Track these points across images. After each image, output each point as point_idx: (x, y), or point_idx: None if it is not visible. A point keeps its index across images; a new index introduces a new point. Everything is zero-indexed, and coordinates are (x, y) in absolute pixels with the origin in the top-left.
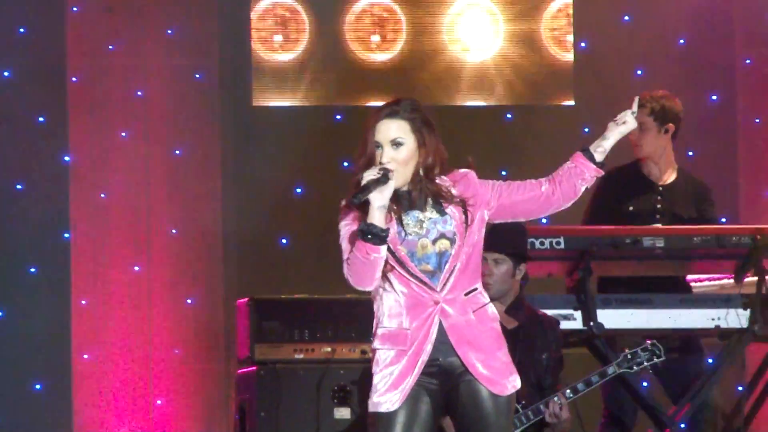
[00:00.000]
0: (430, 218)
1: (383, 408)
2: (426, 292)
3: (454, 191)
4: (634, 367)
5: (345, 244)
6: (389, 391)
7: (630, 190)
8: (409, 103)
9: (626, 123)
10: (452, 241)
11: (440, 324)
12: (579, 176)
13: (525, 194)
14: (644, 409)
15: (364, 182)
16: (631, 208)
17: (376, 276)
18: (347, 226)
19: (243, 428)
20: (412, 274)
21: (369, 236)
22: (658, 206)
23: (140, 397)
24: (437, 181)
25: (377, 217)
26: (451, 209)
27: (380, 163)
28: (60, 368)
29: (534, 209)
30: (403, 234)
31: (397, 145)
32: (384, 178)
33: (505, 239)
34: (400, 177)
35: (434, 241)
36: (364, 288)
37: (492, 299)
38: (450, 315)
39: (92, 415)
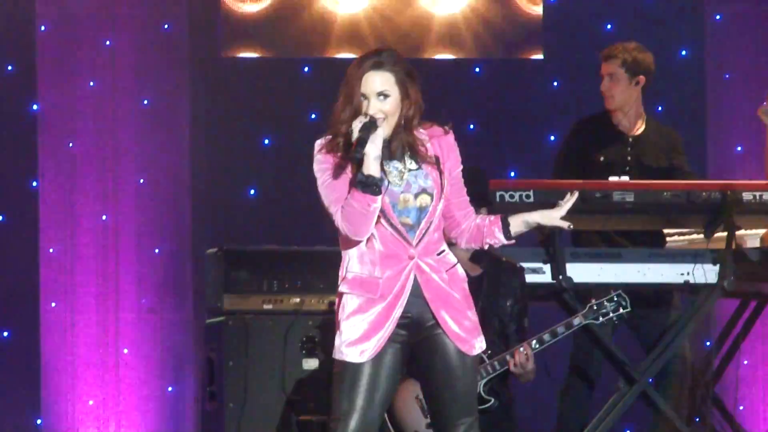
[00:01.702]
0: (410, 170)
1: (351, 358)
2: (401, 245)
3: (428, 146)
4: (600, 318)
5: (329, 192)
6: (360, 341)
7: (600, 140)
8: (392, 54)
9: (556, 216)
10: (432, 197)
11: (415, 279)
12: (489, 237)
13: (457, 201)
14: (612, 362)
15: (357, 134)
16: (601, 159)
17: (372, 224)
18: (326, 172)
19: (211, 378)
20: (391, 225)
21: (369, 187)
22: (628, 157)
23: (107, 347)
24: (414, 132)
25: (374, 167)
26: (426, 162)
27: (366, 115)
28: (28, 316)
29: (447, 221)
30: (386, 183)
31: (384, 97)
32: (374, 127)
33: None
34: (386, 128)
35: (416, 196)
36: (360, 237)
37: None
38: (425, 271)
39: (60, 363)
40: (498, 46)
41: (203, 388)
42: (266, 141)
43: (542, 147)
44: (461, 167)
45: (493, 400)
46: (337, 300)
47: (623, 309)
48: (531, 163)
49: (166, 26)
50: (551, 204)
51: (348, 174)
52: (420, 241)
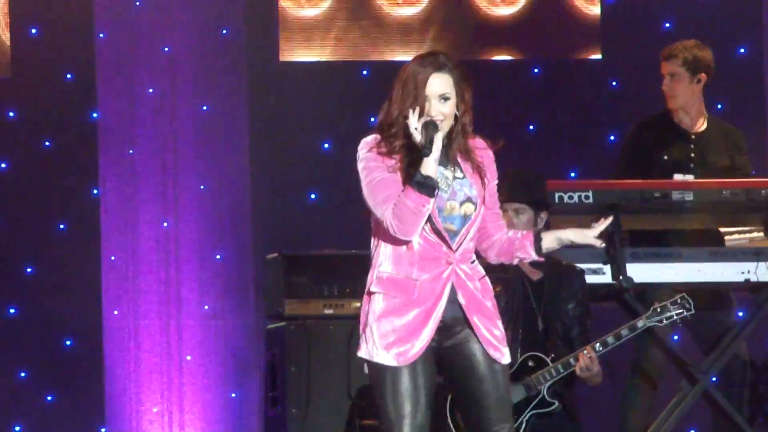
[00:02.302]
0: (457, 178)
1: (387, 361)
2: (442, 250)
3: (474, 155)
4: (664, 321)
5: (378, 190)
6: (396, 344)
7: (663, 139)
8: (450, 58)
9: (590, 235)
10: (475, 206)
11: (452, 284)
12: (520, 250)
13: (490, 213)
14: (674, 362)
15: (422, 133)
16: (665, 158)
17: (421, 225)
18: (374, 170)
19: (273, 383)
20: (436, 230)
21: (425, 188)
22: (692, 155)
23: (170, 353)
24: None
25: (433, 168)
26: (472, 173)
27: (428, 116)
28: (91, 324)
29: (479, 232)
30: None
31: (444, 100)
32: (436, 129)
33: (524, 188)
34: (444, 131)
35: (461, 204)
36: (407, 237)
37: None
38: (461, 277)
39: (123, 370)
40: (556, 46)
41: (266, 394)
42: (326, 145)
43: (602, 147)
44: (497, 181)
45: (557, 403)
46: (365, 299)
47: (686, 311)
48: (591, 163)
49: (224, 31)
50: (608, 205)
51: (399, 174)
52: (459, 247)
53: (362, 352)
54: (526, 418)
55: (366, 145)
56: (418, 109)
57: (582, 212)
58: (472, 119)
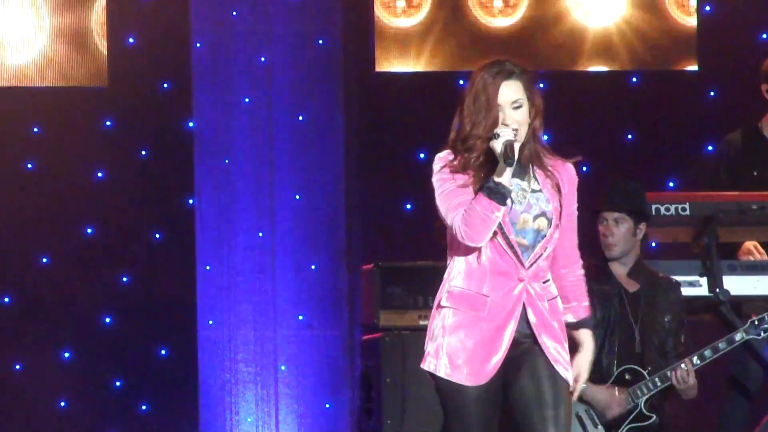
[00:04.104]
0: (533, 191)
1: (456, 379)
2: (514, 265)
3: (551, 170)
4: (762, 334)
5: (450, 198)
6: (467, 364)
7: (753, 154)
8: (516, 64)
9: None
10: (550, 223)
11: (523, 303)
12: (565, 305)
13: (562, 240)
14: None
15: (504, 142)
16: (754, 173)
17: (491, 234)
18: (447, 182)
19: (368, 395)
20: (508, 243)
21: (496, 195)
22: None
23: (265, 363)
24: (540, 146)
25: (506, 176)
26: (549, 187)
27: (506, 124)
28: (185, 334)
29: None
30: (510, 202)
31: (517, 107)
32: (514, 137)
33: (624, 197)
34: (520, 138)
35: (535, 218)
36: (475, 244)
37: (614, 259)
38: (531, 296)
39: (217, 380)
40: (651, 57)
41: (360, 405)
42: (422, 155)
43: (701, 157)
44: (576, 206)
45: (654, 416)
46: (434, 313)
47: None
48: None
49: (320, 42)
50: (705, 217)
51: (471, 186)
52: (532, 264)
53: (428, 366)
54: (624, 431)
55: (440, 160)
56: (505, 129)
57: (679, 224)
58: (542, 124)
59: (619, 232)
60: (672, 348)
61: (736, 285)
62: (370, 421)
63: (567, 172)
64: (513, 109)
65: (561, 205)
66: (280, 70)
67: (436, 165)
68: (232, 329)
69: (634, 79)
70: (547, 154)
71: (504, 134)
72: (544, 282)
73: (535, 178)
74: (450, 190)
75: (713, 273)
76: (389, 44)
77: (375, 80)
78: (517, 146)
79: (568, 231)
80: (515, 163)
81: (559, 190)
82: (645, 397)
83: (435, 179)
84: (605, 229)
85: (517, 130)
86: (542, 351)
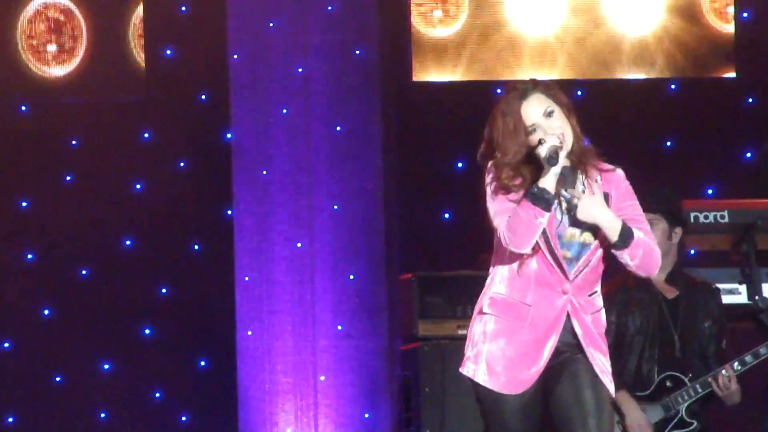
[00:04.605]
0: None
1: (494, 386)
2: (558, 277)
3: (598, 178)
4: None
5: (497, 204)
6: (506, 372)
7: None
8: (525, 81)
9: None
10: (595, 235)
11: (567, 314)
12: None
13: None
14: None
15: (549, 147)
16: None
17: (535, 240)
18: (497, 186)
19: (408, 404)
20: (553, 255)
21: (539, 200)
22: None
23: (304, 373)
24: (585, 145)
25: (551, 182)
26: (596, 188)
27: (551, 136)
28: (224, 344)
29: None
30: (558, 213)
31: (549, 115)
32: (560, 144)
33: (657, 198)
34: (566, 143)
35: (582, 232)
36: (520, 250)
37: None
38: (577, 308)
39: (256, 391)
40: (689, 64)
41: (400, 415)
42: (460, 164)
43: (739, 164)
44: (634, 202)
45: (695, 423)
46: (476, 318)
47: None
48: (727, 181)
49: (357, 52)
50: (744, 224)
51: (517, 194)
52: (576, 277)
53: (467, 371)
54: None
55: (492, 165)
56: (550, 136)
57: (718, 231)
58: (579, 122)
59: (654, 233)
60: (713, 354)
61: None
62: (410, 430)
63: (615, 176)
64: (547, 119)
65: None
66: (318, 80)
67: (489, 172)
68: (270, 340)
69: (673, 87)
70: (595, 158)
71: (549, 140)
72: (590, 295)
73: (584, 187)
74: (498, 196)
75: (752, 280)
76: (426, 54)
77: (413, 90)
78: (563, 153)
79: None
80: (562, 169)
81: (607, 199)
82: (686, 404)
83: (487, 184)
84: None
85: (561, 135)
86: (586, 359)
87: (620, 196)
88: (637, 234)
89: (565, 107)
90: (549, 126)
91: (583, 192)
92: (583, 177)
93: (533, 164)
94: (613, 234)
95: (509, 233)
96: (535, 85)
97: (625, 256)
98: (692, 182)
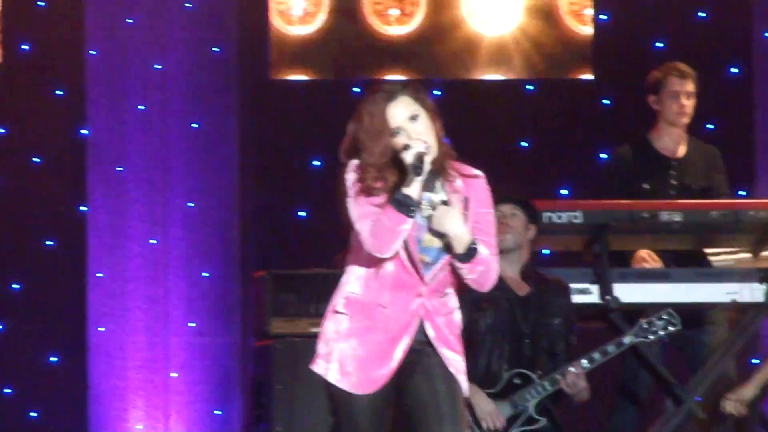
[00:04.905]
0: (442, 202)
1: (345, 386)
2: (414, 280)
3: (459, 182)
4: (650, 337)
5: (359, 206)
6: (357, 372)
7: (644, 167)
8: (394, 82)
9: None
10: None
11: (420, 318)
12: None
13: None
14: (660, 381)
15: (415, 153)
16: (646, 186)
17: (398, 245)
18: (360, 187)
19: (259, 402)
20: (410, 259)
21: (404, 207)
22: (673, 182)
23: (156, 370)
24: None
25: (415, 189)
26: (454, 198)
27: (418, 141)
28: (76, 341)
29: None
30: (419, 218)
31: (414, 119)
32: (426, 150)
33: (515, 190)
34: (432, 149)
35: (441, 236)
36: (381, 254)
37: (507, 251)
38: (429, 311)
39: (107, 387)
40: (547, 66)
41: (251, 412)
42: (316, 162)
43: (594, 165)
44: (490, 211)
45: (544, 420)
46: (329, 317)
47: (673, 327)
48: (583, 182)
49: (215, 49)
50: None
51: (378, 197)
52: (432, 279)
53: (319, 368)
54: None
55: (354, 166)
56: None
57: (572, 232)
58: (443, 127)
59: (514, 224)
60: (562, 351)
61: (627, 292)
62: (260, 428)
63: (476, 182)
64: (412, 122)
65: (466, 217)
66: (175, 77)
67: (350, 171)
68: (122, 337)
69: (529, 88)
70: (455, 164)
71: (415, 146)
72: (443, 296)
73: (443, 190)
74: (360, 198)
75: (604, 280)
76: (285, 52)
77: (270, 88)
78: (428, 158)
79: (478, 233)
80: (424, 174)
81: (466, 203)
82: (534, 401)
83: (348, 184)
84: (501, 221)
85: (426, 142)
86: (439, 357)
87: (478, 202)
88: (482, 251)
89: (431, 112)
90: (413, 130)
91: (443, 202)
92: (443, 183)
93: (396, 167)
94: (459, 247)
95: (372, 238)
96: (403, 87)
97: (464, 269)
98: (547, 183)
